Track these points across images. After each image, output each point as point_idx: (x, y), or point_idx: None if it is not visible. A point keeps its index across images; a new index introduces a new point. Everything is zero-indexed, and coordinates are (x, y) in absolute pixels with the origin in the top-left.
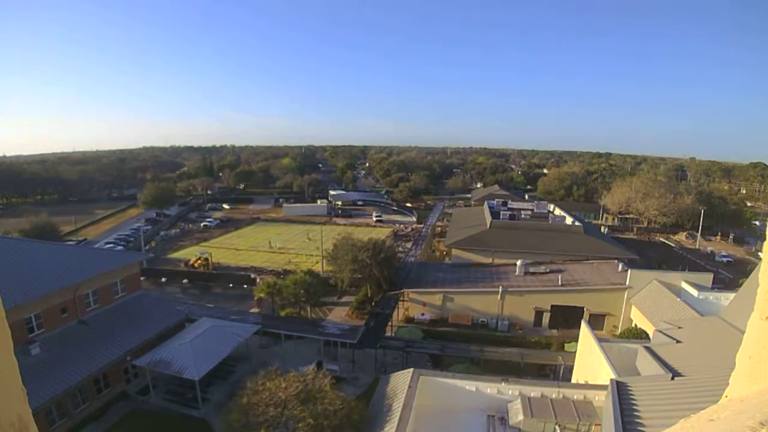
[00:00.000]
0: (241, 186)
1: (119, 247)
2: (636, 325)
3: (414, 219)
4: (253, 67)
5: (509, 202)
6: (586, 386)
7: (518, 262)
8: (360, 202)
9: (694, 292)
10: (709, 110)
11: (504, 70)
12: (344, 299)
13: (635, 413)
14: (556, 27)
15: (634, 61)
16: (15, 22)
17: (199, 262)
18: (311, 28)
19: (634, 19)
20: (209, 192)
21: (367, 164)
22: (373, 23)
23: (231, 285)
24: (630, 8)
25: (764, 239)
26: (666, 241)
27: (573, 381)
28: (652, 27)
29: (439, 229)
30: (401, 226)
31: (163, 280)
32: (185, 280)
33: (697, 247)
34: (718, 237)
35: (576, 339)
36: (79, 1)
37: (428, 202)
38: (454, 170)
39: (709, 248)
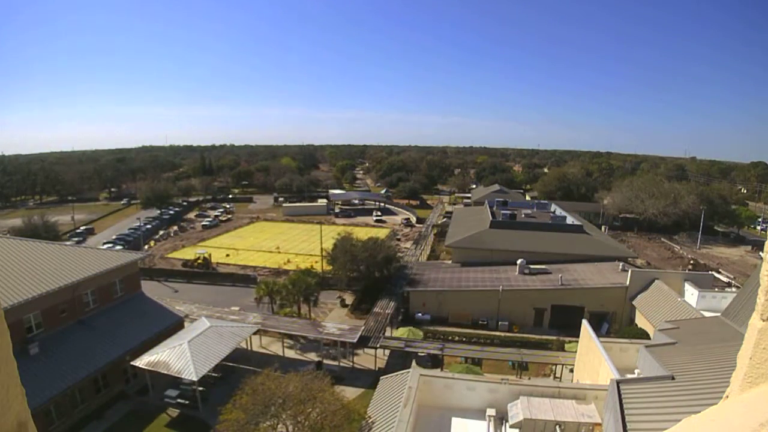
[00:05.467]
0: (239, 188)
1: (118, 247)
2: (637, 324)
3: (414, 219)
4: (253, 66)
5: (509, 201)
6: (586, 386)
7: (518, 262)
8: (359, 202)
9: (695, 292)
10: (709, 110)
11: (501, 70)
12: (343, 298)
13: (635, 413)
14: (555, 25)
15: (633, 61)
16: (15, 22)
17: (198, 261)
18: (312, 26)
19: (633, 19)
20: (208, 191)
21: (367, 164)
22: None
23: (230, 284)
24: (629, 7)
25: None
26: (667, 241)
27: (573, 381)
28: (652, 27)
29: (439, 229)
30: (401, 225)
31: (163, 279)
32: (184, 280)
33: (697, 247)
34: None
35: (576, 339)
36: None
37: (428, 202)
38: (455, 170)
39: None
